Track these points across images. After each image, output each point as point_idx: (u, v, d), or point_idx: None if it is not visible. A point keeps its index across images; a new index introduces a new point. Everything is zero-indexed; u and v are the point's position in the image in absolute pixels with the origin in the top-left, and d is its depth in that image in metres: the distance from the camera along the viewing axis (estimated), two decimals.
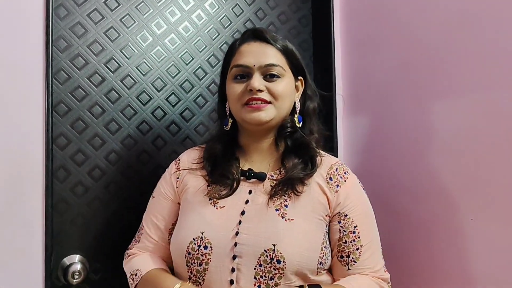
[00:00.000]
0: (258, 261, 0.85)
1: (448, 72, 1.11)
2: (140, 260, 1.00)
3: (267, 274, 0.85)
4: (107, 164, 1.20)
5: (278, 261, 0.84)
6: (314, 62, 1.55)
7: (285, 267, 0.84)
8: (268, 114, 0.93)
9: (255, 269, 0.85)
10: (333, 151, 1.47)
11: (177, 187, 1.01)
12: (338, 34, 1.54)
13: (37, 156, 1.08)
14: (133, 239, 1.06)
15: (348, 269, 0.93)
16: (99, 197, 1.19)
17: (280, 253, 0.85)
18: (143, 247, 1.02)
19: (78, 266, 1.13)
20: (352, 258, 0.93)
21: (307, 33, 1.55)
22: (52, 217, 1.09)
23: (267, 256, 0.85)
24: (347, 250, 0.94)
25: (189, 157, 1.05)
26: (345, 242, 0.94)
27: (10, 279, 1.04)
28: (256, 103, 0.92)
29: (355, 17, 1.50)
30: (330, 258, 0.94)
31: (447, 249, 1.11)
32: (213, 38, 1.37)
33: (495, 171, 0.99)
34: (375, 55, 1.39)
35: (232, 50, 1.00)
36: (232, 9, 1.41)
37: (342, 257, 0.94)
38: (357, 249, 0.93)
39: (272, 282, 0.85)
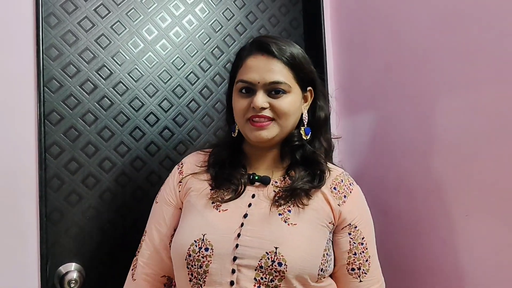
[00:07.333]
0: (259, 263, 0.85)
1: (440, 72, 1.12)
2: None
3: (267, 276, 0.85)
4: (101, 172, 1.20)
5: (280, 264, 0.84)
6: None
7: (286, 270, 0.84)
8: (270, 132, 0.93)
9: (255, 270, 0.85)
10: None
11: (179, 191, 1.01)
12: (329, 35, 1.55)
13: (30, 166, 1.08)
14: (139, 245, 1.04)
15: (360, 281, 0.95)
16: (93, 205, 1.18)
17: (281, 256, 0.85)
18: (142, 255, 1.01)
19: (74, 274, 1.13)
20: (363, 270, 0.95)
21: (298, 35, 1.55)
22: (47, 227, 1.09)
23: (268, 259, 0.85)
24: (358, 262, 0.95)
25: (193, 160, 1.05)
26: (355, 254, 0.95)
27: None
28: (259, 121, 0.92)
29: (346, 18, 1.50)
30: (332, 266, 0.95)
31: (442, 245, 1.11)
32: (205, 42, 1.37)
33: (489, 167, 0.99)
34: (366, 56, 1.40)
35: (239, 61, 0.98)
36: (222, 13, 1.41)
37: (353, 269, 0.95)
38: (366, 260, 0.96)
39: (272, 284, 0.85)
